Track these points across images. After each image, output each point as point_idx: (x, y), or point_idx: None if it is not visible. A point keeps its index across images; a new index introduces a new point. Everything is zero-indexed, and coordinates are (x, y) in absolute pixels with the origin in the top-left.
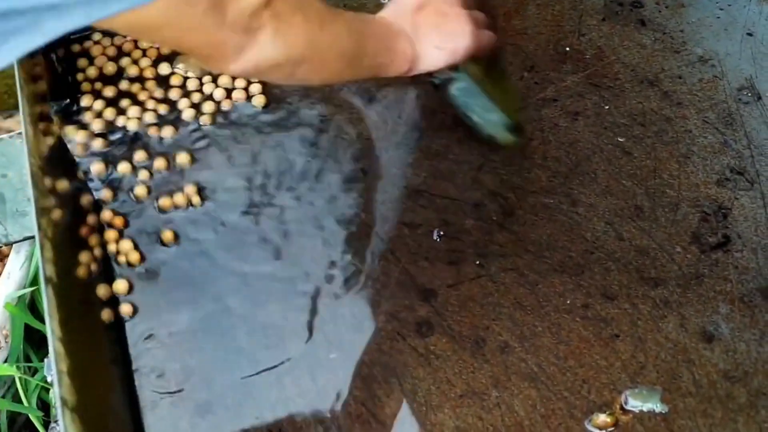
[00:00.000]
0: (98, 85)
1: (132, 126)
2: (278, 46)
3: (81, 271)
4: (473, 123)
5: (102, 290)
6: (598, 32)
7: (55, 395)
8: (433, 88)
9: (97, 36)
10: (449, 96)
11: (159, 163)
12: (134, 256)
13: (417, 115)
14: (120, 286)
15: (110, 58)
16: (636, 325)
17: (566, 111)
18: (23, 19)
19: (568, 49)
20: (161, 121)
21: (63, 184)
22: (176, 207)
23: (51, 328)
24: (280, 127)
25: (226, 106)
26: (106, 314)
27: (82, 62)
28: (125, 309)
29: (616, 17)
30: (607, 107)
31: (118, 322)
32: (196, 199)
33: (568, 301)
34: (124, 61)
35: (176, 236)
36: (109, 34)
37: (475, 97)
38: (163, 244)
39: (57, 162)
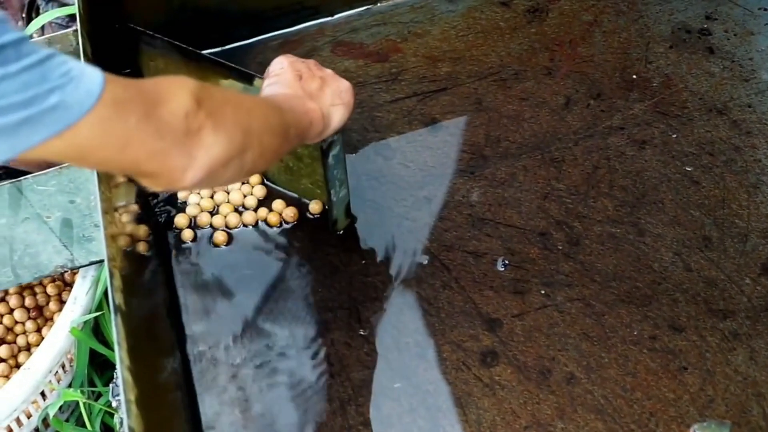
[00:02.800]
0: None
1: None
2: (222, 142)
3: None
4: (329, 201)
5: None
6: (666, 60)
7: (123, 425)
8: (321, 153)
9: None
10: (326, 165)
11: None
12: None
13: (481, 142)
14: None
15: None
16: (704, 357)
17: (633, 139)
18: None
19: (635, 76)
20: None
21: (130, 212)
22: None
23: (120, 357)
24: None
25: None
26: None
27: None
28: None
29: (684, 45)
30: (674, 136)
31: (183, 348)
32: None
33: (635, 333)
34: None
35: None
36: None
37: (338, 168)
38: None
39: (125, 190)
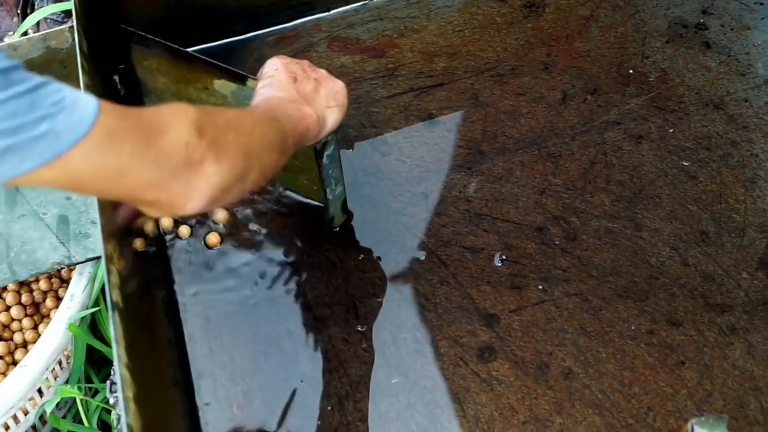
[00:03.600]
0: None
1: None
2: (224, 170)
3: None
4: (325, 199)
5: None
6: (662, 54)
7: (121, 422)
8: (314, 153)
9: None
10: (320, 165)
11: None
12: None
13: (478, 137)
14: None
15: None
16: (702, 351)
17: (630, 134)
18: None
19: (631, 71)
20: None
21: (127, 209)
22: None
23: (118, 355)
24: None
25: None
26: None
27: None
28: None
29: (681, 39)
30: (671, 130)
31: (180, 343)
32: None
33: (633, 327)
34: None
35: (236, 260)
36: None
37: (334, 167)
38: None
39: None
